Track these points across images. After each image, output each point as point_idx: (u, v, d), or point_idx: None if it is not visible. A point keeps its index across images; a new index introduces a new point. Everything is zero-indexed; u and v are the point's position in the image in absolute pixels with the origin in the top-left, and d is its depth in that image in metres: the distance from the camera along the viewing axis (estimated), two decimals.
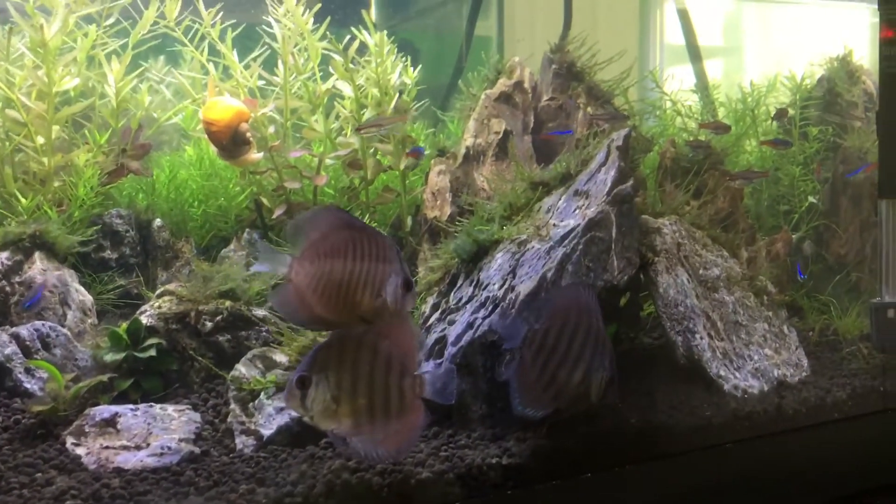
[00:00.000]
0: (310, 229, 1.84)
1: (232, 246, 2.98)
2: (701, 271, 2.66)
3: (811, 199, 3.33)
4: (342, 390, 1.78)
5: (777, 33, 5.71)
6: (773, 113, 3.47)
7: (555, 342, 2.07)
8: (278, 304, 1.86)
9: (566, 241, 2.37)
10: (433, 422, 2.20)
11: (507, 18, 4.89)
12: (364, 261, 1.83)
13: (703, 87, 3.95)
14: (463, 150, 3.21)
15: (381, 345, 1.83)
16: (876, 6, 2.72)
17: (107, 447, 2.07)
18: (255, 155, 2.87)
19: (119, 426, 2.12)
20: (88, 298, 2.64)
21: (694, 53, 4.41)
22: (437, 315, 2.49)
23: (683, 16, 4.49)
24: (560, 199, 2.58)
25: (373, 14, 4.49)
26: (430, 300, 2.60)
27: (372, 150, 3.17)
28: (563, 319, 2.09)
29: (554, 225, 2.49)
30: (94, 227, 2.81)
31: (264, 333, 2.53)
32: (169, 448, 2.05)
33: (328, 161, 3.13)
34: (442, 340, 2.35)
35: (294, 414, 2.19)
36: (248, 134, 2.82)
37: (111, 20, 3.02)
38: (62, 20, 2.83)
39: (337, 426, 1.80)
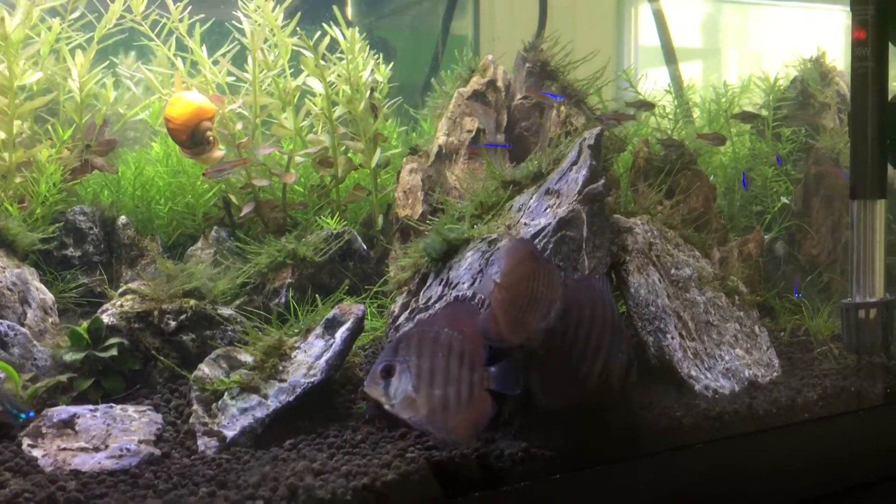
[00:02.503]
0: (507, 259, 2.06)
1: (199, 244, 2.93)
2: (672, 271, 2.64)
3: (784, 199, 3.33)
4: (421, 381, 1.91)
5: (757, 36, 5.74)
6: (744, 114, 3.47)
7: (573, 339, 2.13)
8: (481, 321, 2.05)
9: (536, 240, 2.35)
10: (404, 423, 2.18)
11: (483, 17, 4.88)
12: (539, 290, 2.06)
13: (677, 88, 3.95)
14: (435, 149, 3.18)
15: (455, 339, 1.96)
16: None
17: (64, 449, 2.01)
18: (217, 153, 2.82)
19: (77, 427, 2.06)
20: (49, 297, 2.58)
21: (669, 55, 4.41)
22: (405, 314, 2.46)
23: (658, 17, 4.49)
24: (531, 198, 2.55)
25: (349, 12, 4.46)
26: (400, 299, 2.56)
27: (343, 149, 3.13)
28: (577, 314, 2.14)
29: (525, 224, 2.46)
30: (57, 225, 2.75)
31: (230, 333, 2.48)
32: (128, 450, 2.00)
33: (298, 158, 3.09)
34: None
35: (258, 415, 2.15)
36: (209, 133, 2.76)
37: (76, 14, 2.96)
38: (25, 13, 2.77)
39: (414, 415, 1.92)
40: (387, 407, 1.93)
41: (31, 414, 2.07)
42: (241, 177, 3.02)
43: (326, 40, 3.02)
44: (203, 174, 2.83)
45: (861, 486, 2.60)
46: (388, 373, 1.92)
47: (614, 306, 2.22)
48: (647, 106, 3.24)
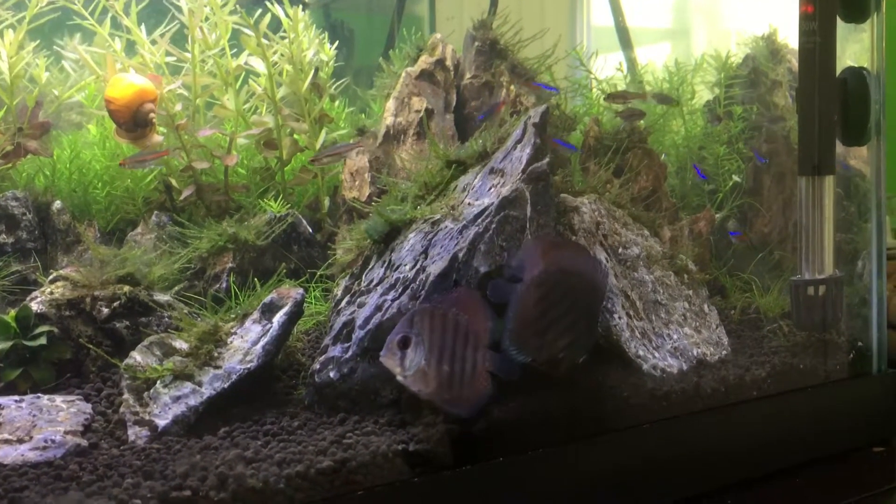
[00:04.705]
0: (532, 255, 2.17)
1: (139, 229, 2.84)
2: (620, 250, 2.61)
3: (735, 178, 3.32)
4: (433, 355, 1.99)
5: (727, 15, 5.69)
6: (697, 91, 3.45)
7: (554, 304, 2.15)
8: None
9: (479, 220, 2.30)
10: (343, 408, 2.16)
11: None
12: None
13: (631, 70, 3.92)
14: (383, 130, 3.11)
15: (462, 319, 2.05)
16: None
17: None
18: (156, 138, 2.73)
19: (0, 419, 1.99)
20: None
21: (623, 38, 4.37)
22: (347, 298, 2.40)
23: (613, 1, 4.45)
24: (476, 178, 2.50)
25: None
26: (343, 282, 2.51)
27: (288, 130, 3.06)
28: (570, 285, 2.17)
29: (469, 204, 2.41)
30: None
31: (166, 320, 2.40)
32: (53, 441, 1.93)
33: (241, 140, 3.01)
34: (350, 324, 2.26)
35: (191, 403, 2.08)
36: (151, 115, 2.67)
37: None
38: None
39: (425, 388, 1.99)
40: (399, 378, 1.98)
41: None
42: (181, 159, 2.93)
43: (268, 18, 2.94)
44: (119, 164, 2.73)
45: (808, 463, 2.60)
46: (404, 344, 1.98)
47: (601, 303, 2.30)
48: (668, 100, 3.21)
